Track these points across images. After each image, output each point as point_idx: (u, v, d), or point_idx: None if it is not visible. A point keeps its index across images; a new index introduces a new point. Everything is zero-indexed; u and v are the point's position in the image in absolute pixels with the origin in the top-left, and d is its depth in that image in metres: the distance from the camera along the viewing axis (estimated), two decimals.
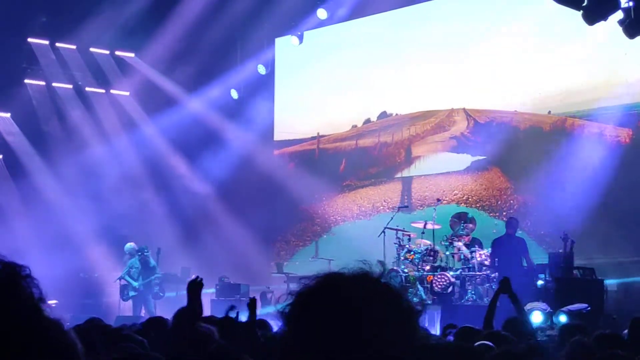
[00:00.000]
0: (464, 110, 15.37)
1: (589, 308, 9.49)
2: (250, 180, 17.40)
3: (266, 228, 17.06)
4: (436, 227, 12.89)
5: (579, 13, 9.83)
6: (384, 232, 13.12)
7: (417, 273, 12.54)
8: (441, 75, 15.30)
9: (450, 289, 11.97)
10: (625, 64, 12.89)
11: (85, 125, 17.05)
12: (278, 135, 18.20)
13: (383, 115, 16.72)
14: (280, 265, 16.12)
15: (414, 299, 9.52)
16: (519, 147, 14.32)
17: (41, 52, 16.74)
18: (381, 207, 16.19)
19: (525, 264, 11.59)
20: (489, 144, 14.72)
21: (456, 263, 12.55)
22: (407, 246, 12.89)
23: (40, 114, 16.85)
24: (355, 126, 17.18)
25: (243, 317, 5.42)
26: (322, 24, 16.87)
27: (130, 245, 14.82)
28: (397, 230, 13.10)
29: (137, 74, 17.64)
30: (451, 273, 12.13)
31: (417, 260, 12.65)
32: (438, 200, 13.87)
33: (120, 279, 14.52)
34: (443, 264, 12.52)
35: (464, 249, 12.33)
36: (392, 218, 13.43)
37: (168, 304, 13.17)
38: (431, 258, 12.56)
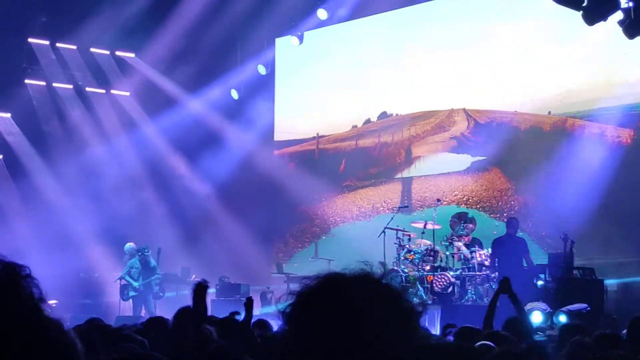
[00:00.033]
0: (464, 110, 15.36)
1: (588, 308, 9.49)
2: (250, 181, 17.39)
3: (266, 228, 17.06)
4: (436, 227, 12.88)
5: (579, 13, 9.83)
6: (384, 232, 13.11)
7: (417, 273, 12.55)
8: (441, 76, 15.29)
9: (450, 289, 11.98)
10: (625, 64, 12.88)
11: (85, 125, 17.05)
12: (278, 136, 18.19)
13: (383, 115, 16.71)
14: (280, 266, 16.11)
15: (414, 299, 9.50)
16: (519, 147, 14.30)
17: (41, 52, 16.74)
18: (381, 208, 16.17)
19: (525, 264, 11.58)
20: (489, 145, 14.70)
21: (456, 263, 12.56)
22: (407, 246, 12.90)
23: (40, 114, 16.85)
24: (356, 126, 17.16)
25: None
26: (322, 24, 16.86)
27: (130, 245, 14.83)
28: (397, 230, 13.10)
29: (137, 74, 17.63)
30: (451, 273, 12.14)
31: (417, 261, 12.66)
32: (438, 200, 13.83)
33: (120, 279, 14.53)
34: (443, 264, 12.53)
35: (464, 249, 12.33)
36: (392, 218, 13.43)
37: (168, 304, 13.17)
38: (431, 258, 12.56)
